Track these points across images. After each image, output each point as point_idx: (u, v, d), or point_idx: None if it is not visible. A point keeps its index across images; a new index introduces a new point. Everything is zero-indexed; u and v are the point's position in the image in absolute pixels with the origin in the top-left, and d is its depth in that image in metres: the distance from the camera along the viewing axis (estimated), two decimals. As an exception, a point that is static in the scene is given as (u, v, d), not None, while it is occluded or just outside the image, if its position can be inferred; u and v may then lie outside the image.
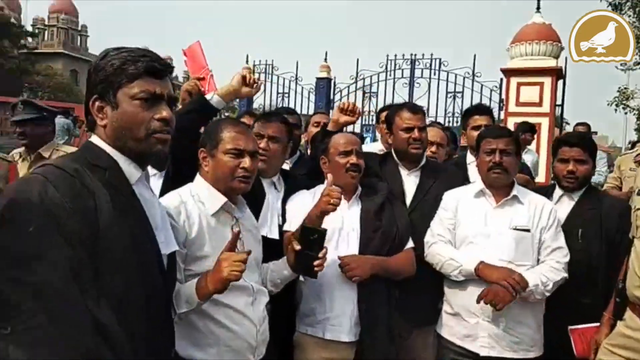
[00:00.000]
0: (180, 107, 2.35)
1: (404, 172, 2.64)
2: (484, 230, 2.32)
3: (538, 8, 9.82)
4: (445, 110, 10.06)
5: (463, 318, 2.30)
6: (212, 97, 2.16)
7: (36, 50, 44.34)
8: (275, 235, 2.21)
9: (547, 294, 2.23)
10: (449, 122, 10.05)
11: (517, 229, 2.28)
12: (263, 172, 2.31)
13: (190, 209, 1.73)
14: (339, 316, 2.14)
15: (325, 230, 1.84)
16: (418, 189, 2.58)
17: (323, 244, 1.84)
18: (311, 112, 11.83)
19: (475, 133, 2.79)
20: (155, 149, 1.29)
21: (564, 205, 2.51)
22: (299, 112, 11.99)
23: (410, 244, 2.36)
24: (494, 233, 2.30)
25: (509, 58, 9.62)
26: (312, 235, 1.80)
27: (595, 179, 5.28)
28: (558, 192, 2.56)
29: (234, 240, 1.61)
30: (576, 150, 2.46)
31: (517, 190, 2.38)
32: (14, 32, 37.34)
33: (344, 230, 2.22)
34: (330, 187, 2.00)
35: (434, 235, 2.42)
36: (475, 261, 2.24)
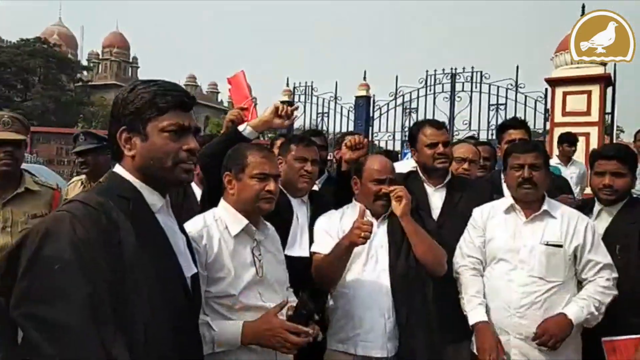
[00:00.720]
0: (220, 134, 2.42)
1: (429, 189, 2.60)
2: (514, 246, 2.24)
3: (583, 15, 9.55)
4: (489, 123, 9.85)
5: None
6: (245, 129, 2.25)
7: (91, 83, 46.95)
8: (305, 253, 2.23)
9: (601, 317, 2.14)
10: (492, 134, 9.82)
11: (549, 244, 2.19)
12: (302, 191, 2.38)
13: (213, 232, 1.78)
14: (369, 332, 2.11)
15: (313, 311, 1.78)
16: (445, 204, 2.54)
17: (313, 318, 1.78)
18: (350, 129, 11.92)
19: None
20: (182, 178, 1.34)
21: (603, 220, 2.39)
22: (338, 130, 12.12)
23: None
24: (524, 249, 2.22)
25: (554, 67, 9.37)
26: (303, 309, 1.77)
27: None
28: (597, 206, 2.44)
29: (279, 307, 1.71)
30: (613, 163, 2.33)
31: (549, 204, 2.29)
32: (71, 67, 39.75)
33: (372, 247, 2.19)
34: (362, 219, 2.00)
35: (464, 257, 2.37)
36: (477, 317, 2.22)
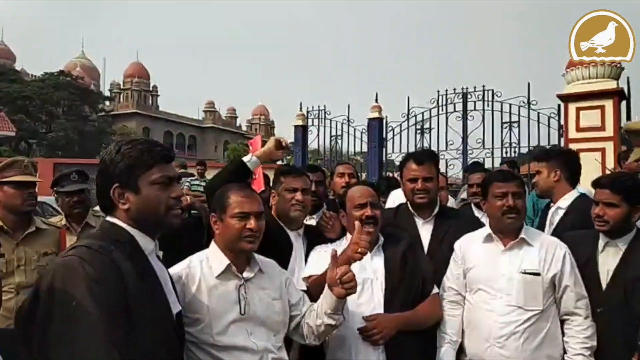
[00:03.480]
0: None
1: (419, 221, 2.63)
2: (492, 275, 2.25)
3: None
4: (502, 141, 9.79)
5: None
6: (250, 159, 2.38)
7: (112, 112, 48.18)
8: (302, 286, 2.25)
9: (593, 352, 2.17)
10: (506, 152, 9.78)
11: (527, 273, 2.19)
12: (296, 222, 2.44)
13: (194, 272, 1.84)
14: None
15: None
16: (432, 237, 2.56)
17: None
18: (364, 151, 11.98)
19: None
20: (174, 222, 1.49)
21: (610, 255, 2.33)
22: (351, 152, 12.18)
23: (435, 289, 2.33)
24: (503, 278, 2.22)
25: (565, 83, 9.31)
26: None
27: None
28: (602, 239, 2.36)
29: None
30: (605, 192, 2.30)
31: (526, 232, 2.29)
32: (93, 98, 40.93)
33: (367, 281, 2.22)
34: (359, 235, 2.03)
35: (445, 289, 2.40)
36: (444, 355, 2.26)
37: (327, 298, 1.91)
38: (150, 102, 56.80)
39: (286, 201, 2.40)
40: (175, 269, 1.84)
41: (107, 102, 47.40)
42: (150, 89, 57.11)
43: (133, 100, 54.24)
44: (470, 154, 9.96)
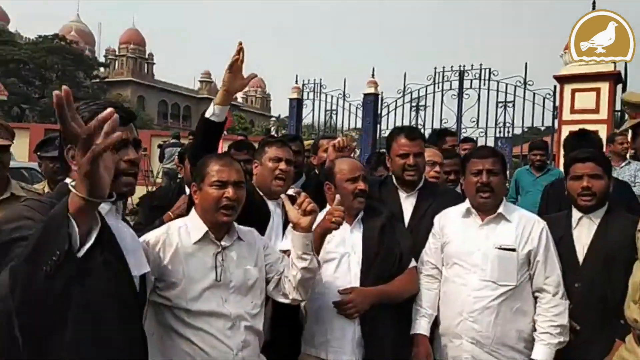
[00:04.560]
0: None
1: (402, 195, 2.63)
2: (468, 250, 2.26)
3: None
4: (496, 121, 9.78)
5: (450, 339, 2.27)
6: (214, 111, 2.14)
7: (107, 79, 47.48)
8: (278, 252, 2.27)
9: (568, 334, 2.18)
10: (500, 132, 9.78)
11: (502, 248, 2.20)
12: (278, 191, 2.41)
13: (172, 239, 1.84)
14: (339, 339, 2.16)
15: None
16: (414, 211, 2.57)
17: None
18: (359, 127, 11.94)
19: None
20: (123, 189, 1.43)
21: (585, 229, 2.34)
22: (346, 128, 12.13)
23: (413, 263, 2.35)
24: (478, 253, 2.24)
25: (563, 64, 9.25)
26: None
27: (636, 190, 4.92)
28: (576, 214, 2.38)
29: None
30: (589, 165, 2.31)
31: (505, 207, 2.30)
32: (87, 64, 40.27)
33: (345, 254, 2.24)
34: (334, 206, 2.05)
35: (423, 263, 2.41)
36: (418, 328, 2.30)
37: (295, 240, 1.92)
38: (146, 70, 55.96)
39: (269, 170, 2.40)
40: (152, 234, 1.85)
41: (102, 69, 46.65)
42: (146, 56, 56.18)
43: (128, 67, 53.40)
44: (464, 132, 9.94)
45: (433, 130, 5.64)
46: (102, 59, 50.36)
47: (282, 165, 2.39)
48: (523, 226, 2.26)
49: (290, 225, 1.98)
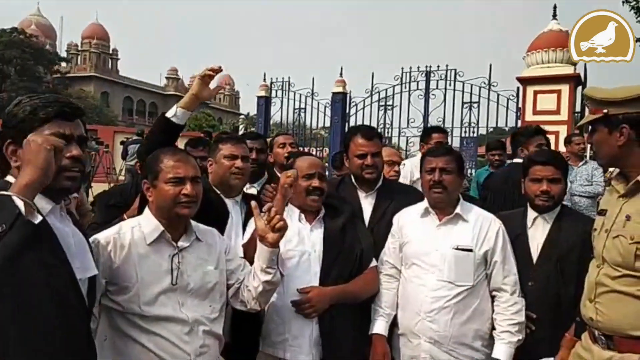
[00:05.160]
0: None
1: (361, 194, 2.61)
2: (426, 250, 2.27)
3: (554, 15, 9.67)
4: (462, 121, 9.94)
5: (408, 339, 2.26)
6: (176, 112, 2.12)
7: (69, 74, 46.05)
8: (240, 254, 2.19)
9: (524, 332, 2.20)
10: (465, 132, 9.94)
11: (459, 249, 2.21)
12: (235, 189, 2.39)
13: (124, 240, 1.73)
14: (297, 337, 2.13)
15: None
16: (374, 211, 2.55)
17: None
18: (327, 126, 11.93)
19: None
20: (65, 185, 1.37)
21: (539, 229, 2.36)
22: (315, 127, 12.11)
23: (373, 262, 2.34)
24: (436, 253, 2.24)
25: (526, 66, 9.49)
26: None
27: (592, 189, 5.09)
28: (531, 214, 2.40)
29: None
30: (549, 168, 2.32)
31: (462, 207, 2.31)
32: (48, 58, 38.99)
33: (305, 252, 2.20)
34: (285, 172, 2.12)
35: (382, 262, 2.40)
36: (376, 328, 2.29)
37: (260, 253, 1.87)
38: (110, 65, 54.56)
39: (225, 168, 2.33)
40: (103, 234, 1.74)
41: (64, 64, 45.15)
42: (110, 52, 54.77)
43: (91, 62, 51.97)
44: (430, 132, 10.04)
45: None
46: (64, 54, 48.89)
47: (239, 163, 2.34)
48: (480, 226, 2.27)
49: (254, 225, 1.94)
